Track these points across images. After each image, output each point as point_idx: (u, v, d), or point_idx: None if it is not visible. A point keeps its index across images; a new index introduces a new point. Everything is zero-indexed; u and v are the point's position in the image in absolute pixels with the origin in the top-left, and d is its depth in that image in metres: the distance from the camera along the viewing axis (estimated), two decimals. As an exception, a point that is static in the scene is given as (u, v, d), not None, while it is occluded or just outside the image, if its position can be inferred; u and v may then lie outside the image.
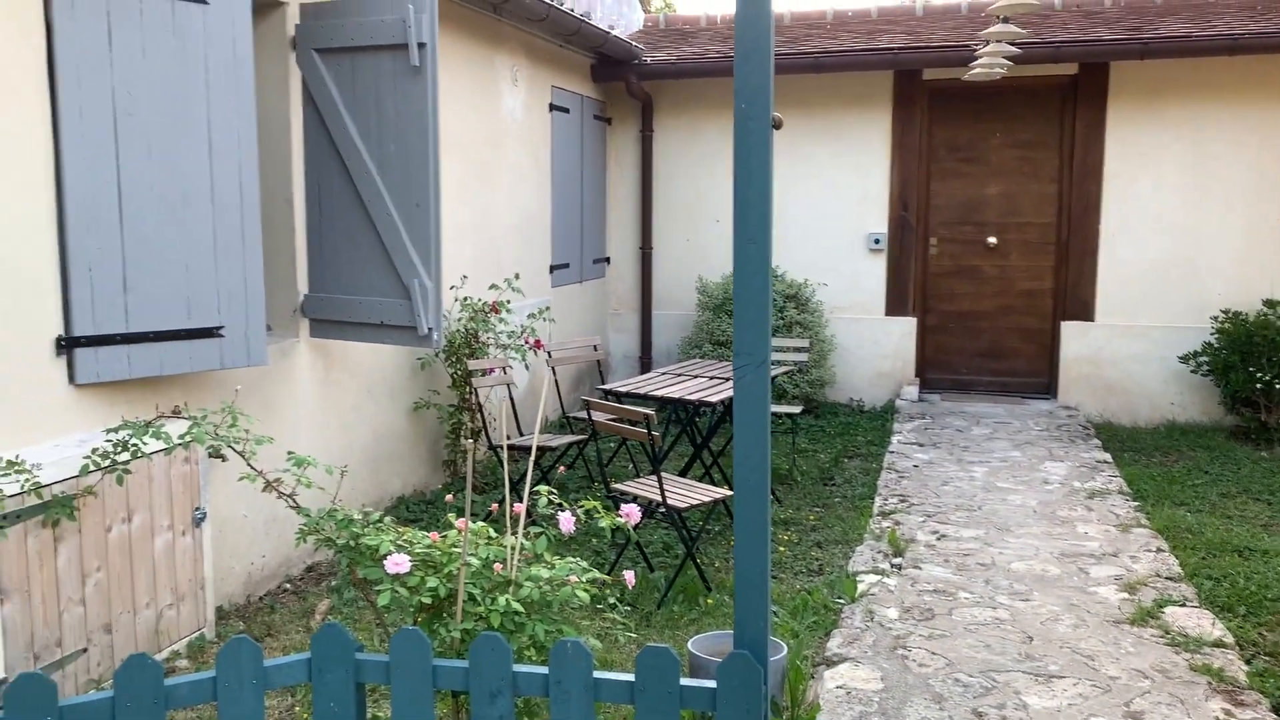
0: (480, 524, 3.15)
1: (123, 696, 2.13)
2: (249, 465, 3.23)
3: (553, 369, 7.07)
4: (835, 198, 9.05)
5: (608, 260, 9.67)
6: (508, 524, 3.14)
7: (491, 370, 6.23)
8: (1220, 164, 8.21)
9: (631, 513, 3.38)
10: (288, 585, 5.03)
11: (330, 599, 4.70)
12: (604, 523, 3.32)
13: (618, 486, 5.11)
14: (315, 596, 4.84)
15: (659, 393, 5.93)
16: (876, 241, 8.97)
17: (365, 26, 4.77)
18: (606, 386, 6.18)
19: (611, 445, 7.28)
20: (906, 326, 9.03)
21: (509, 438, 6.88)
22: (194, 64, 4.04)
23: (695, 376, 6.51)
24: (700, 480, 6.06)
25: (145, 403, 4.10)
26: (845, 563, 5.23)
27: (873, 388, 9.12)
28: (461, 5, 6.50)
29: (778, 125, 2.59)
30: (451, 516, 3.24)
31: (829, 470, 7.10)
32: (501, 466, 6.31)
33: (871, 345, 9.08)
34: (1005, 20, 6.10)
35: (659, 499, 4.79)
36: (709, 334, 8.63)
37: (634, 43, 8.91)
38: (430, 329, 4.92)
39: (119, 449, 3.44)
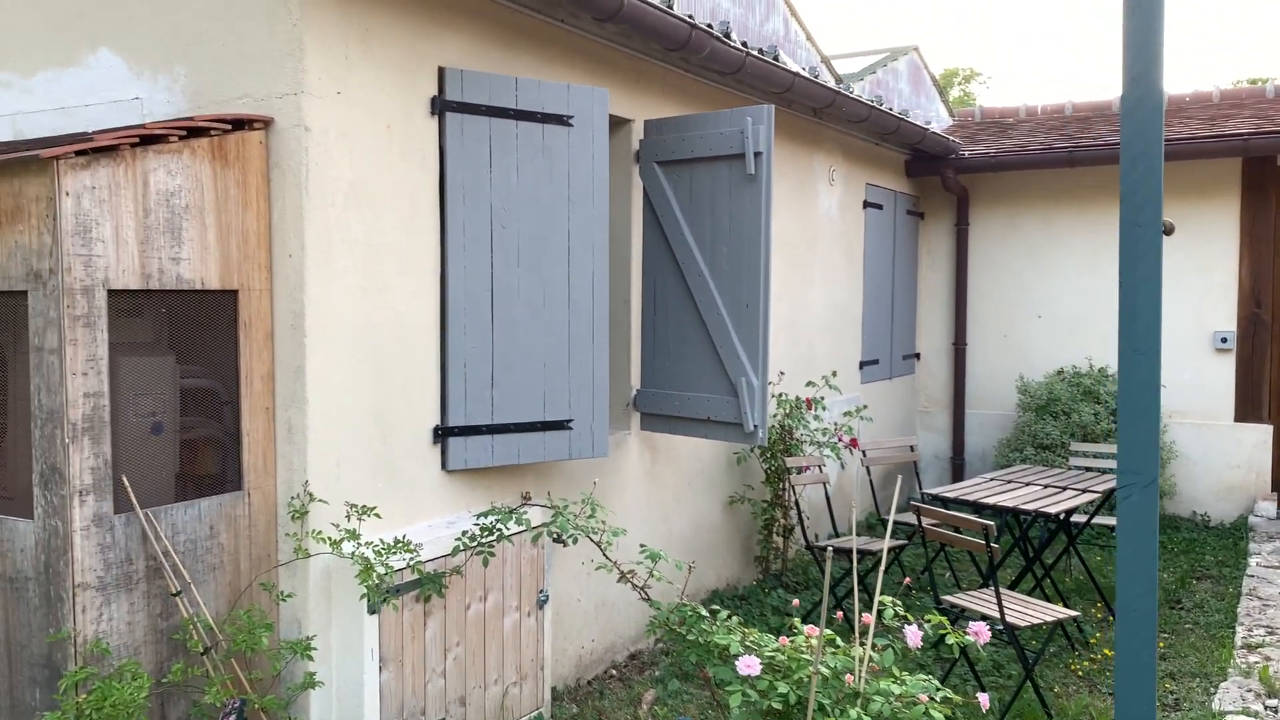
0: (827, 631, 3.13)
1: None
2: (605, 555, 3.41)
3: (867, 468, 6.95)
4: (1173, 293, 8.35)
5: (917, 356, 9.45)
6: (855, 633, 3.09)
7: (807, 468, 6.22)
8: None
9: (981, 631, 3.23)
10: (613, 671, 5.19)
11: (655, 690, 4.81)
12: (951, 639, 3.20)
13: (948, 599, 4.90)
14: (640, 685, 4.95)
15: (991, 500, 5.66)
16: (1223, 340, 8.19)
17: (705, 139, 5.03)
18: (934, 491, 5.98)
19: (929, 551, 6.99)
20: (1261, 435, 8.12)
21: (818, 537, 6.80)
22: (558, 179, 4.42)
23: (1027, 484, 6.16)
24: (1029, 595, 5.69)
25: (500, 489, 4.44)
26: (1205, 699, 4.70)
27: (1220, 501, 8.23)
28: (784, 111, 6.70)
29: (1169, 231, 2.47)
30: (797, 621, 3.24)
31: (1174, 592, 6.44)
32: (817, 566, 6.24)
33: (1218, 455, 8.23)
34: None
35: (995, 614, 4.54)
36: (1031, 437, 8.16)
37: (950, 137, 8.80)
38: (756, 426, 5.00)
39: (485, 532, 3.72)
